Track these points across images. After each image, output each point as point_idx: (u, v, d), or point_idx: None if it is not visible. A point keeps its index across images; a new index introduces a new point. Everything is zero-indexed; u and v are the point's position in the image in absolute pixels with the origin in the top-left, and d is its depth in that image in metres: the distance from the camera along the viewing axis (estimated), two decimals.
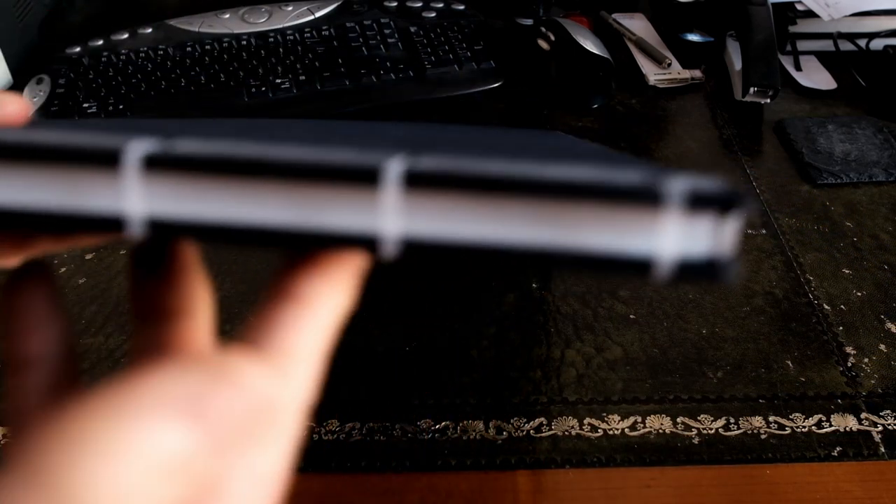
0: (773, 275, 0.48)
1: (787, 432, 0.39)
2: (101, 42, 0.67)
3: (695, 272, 0.14)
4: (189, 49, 0.65)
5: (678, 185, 0.13)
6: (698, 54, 0.71)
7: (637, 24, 0.75)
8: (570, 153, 0.21)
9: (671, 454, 0.38)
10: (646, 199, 0.13)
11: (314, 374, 0.16)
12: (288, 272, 0.16)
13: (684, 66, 0.69)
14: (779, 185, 0.56)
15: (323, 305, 0.16)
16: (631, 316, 0.45)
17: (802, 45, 0.72)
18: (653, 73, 0.68)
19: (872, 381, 0.41)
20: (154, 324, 0.18)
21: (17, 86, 0.64)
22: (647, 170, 0.14)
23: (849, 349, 0.43)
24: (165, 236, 0.14)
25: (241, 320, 0.45)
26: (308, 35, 0.66)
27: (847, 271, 0.48)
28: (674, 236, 0.14)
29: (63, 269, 0.49)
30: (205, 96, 0.61)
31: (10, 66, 0.64)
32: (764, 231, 0.52)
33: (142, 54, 0.64)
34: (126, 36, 0.67)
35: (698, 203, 0.13)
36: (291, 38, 0.66)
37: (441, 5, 0.71)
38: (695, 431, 0.39)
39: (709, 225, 0.14)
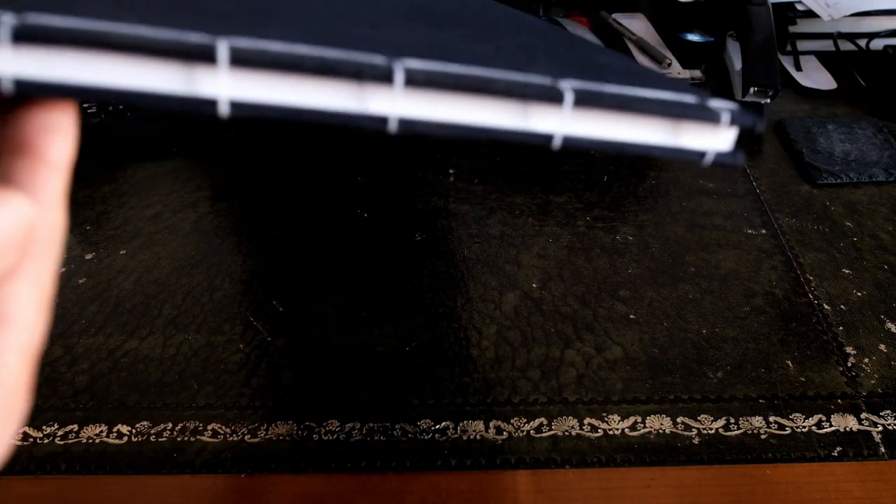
0: (773, 275, 0.48)
1: (787, 432, 0.39)
2: None
3: (723, 159, 0.21)
4: None
5: (727, 110, 0.20)
6: (698, 54, 0.71)
7: (637, 24, 0.75)
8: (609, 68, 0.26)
9: (671, 454, 0.38)
10: (710, 118, 0.20)
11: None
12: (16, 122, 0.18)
13: (684, 66, 0.69)
14: (779, 185, 0.56)
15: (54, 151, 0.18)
16: (631, 316, 0.45)
17: (802, 45, 0.72)
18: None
19: (872, 381, 0.41)
20: None
21: None
22: (698, 94, 0.21)
23: (849, 349, 0.43)
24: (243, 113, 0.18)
25: (241, 320, 0.45)
26: None
27: (847, 271, 0.48)
28: (717, 139, 0.21)
29: (63, 270, 0.49)
30: None
31: None
32: (764, 231, 0.52)
33: None
34: None
35: (734, 121, 0.20)
36: None
37: None
38: (695, 431, 0.39)
39: (733, 132, 0.21)
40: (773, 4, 0.68)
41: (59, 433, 0.39)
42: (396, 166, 0.58)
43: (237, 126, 0.61)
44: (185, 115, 0.16)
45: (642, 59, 0.70)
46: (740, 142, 0.21)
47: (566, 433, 0.39)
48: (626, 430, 0.39)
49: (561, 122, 0.19)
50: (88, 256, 0.50)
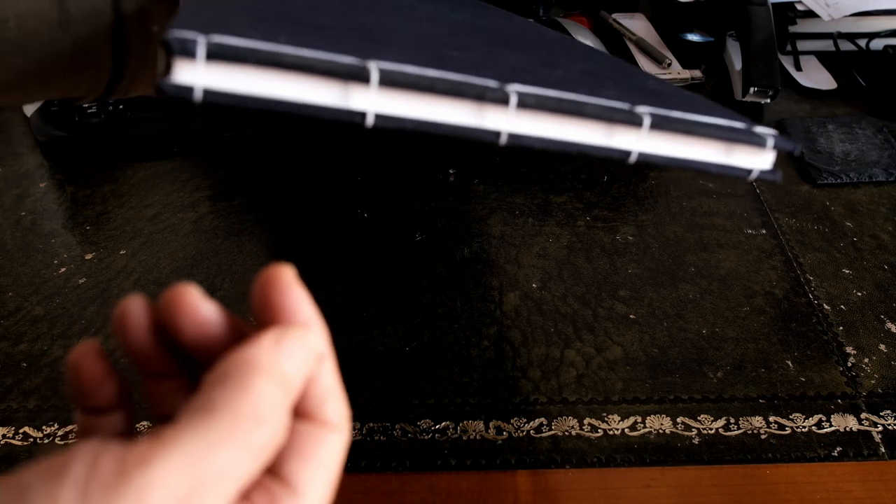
0: (773, 275, 0.48)
1: (787, 432, 0.39)
2: None
3: (765, 176, 0.25)
4: None
5: (770, 136, 0.24)
6: (698, 54, 0.71)
7: (637, 24, 0.75)
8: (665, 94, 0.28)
9: (671, 454, 0.38)
10: (758, 143, 0.24)
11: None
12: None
13: (684, 66, 0.69)
14: (779, 185, 0.56)
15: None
16: (631, 316, 0.45)
17: (802, 45, 0.72)
18: (653, 73, 0.68)
19: (872, 381, 0.41)
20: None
21: None
22: (744, 119, 0.25)
23: (849, 349, 0.43)
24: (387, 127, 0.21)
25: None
26: None
27: (847, 271, 0.48)
28: (761, 159, 0.25)
29: (63, 270, 0.49)
30: None
31: None
32: (764, 231, 0.52)
33: None
34: None
35: (776, 145, 0.24)
36: None
37: None
38: (695, 431, 0.39)
39: (773, 154, 0.25)
40: (773, 4, 0.68)
41: (60, 433, 0.39)
42: (396, 166, 0.58)
43: (236, 126, 0.61)
44: (334, 123, 0.20)
45: (642, 59, 0.70)
46: None
47: (566, 433, 0.39)
48: (626, 430, 0.39)
49: (638, 141, 0.23)
50: (88, 256, 0.50)
